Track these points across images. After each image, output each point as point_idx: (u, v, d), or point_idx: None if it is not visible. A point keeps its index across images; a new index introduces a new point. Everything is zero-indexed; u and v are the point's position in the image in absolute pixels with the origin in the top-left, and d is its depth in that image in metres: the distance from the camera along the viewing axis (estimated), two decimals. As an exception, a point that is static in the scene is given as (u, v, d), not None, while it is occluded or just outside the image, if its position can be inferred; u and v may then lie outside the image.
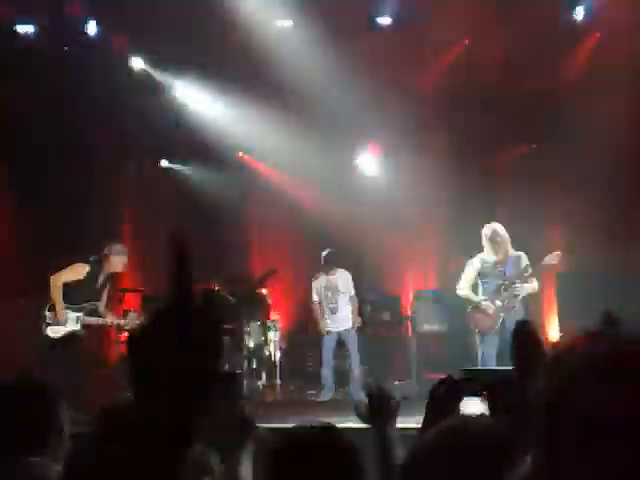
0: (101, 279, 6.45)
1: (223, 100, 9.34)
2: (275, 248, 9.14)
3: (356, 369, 7.71)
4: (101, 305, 6.52)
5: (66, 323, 6.31)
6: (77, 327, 6.35)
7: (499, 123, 8.50)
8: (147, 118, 8.99)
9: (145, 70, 9.24)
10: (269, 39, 8.44)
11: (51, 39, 8.83)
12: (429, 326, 7.97)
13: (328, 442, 1.82)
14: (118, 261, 6.45)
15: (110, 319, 6.60)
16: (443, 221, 8.98)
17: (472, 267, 6.71)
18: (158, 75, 9.32)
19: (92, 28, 8.88)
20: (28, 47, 8.83)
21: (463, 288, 6.77)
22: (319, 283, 7.78)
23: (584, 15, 8.30)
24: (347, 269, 7.86)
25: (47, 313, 6.34)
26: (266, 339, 8.22)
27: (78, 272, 6.34)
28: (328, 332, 7.77)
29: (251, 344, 8.11)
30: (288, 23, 8.56)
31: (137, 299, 8.95)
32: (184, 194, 9.59)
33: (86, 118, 8.81)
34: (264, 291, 8.55)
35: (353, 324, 7.72)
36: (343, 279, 7.83)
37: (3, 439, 1.89)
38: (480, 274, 6.69)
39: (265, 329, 8.28)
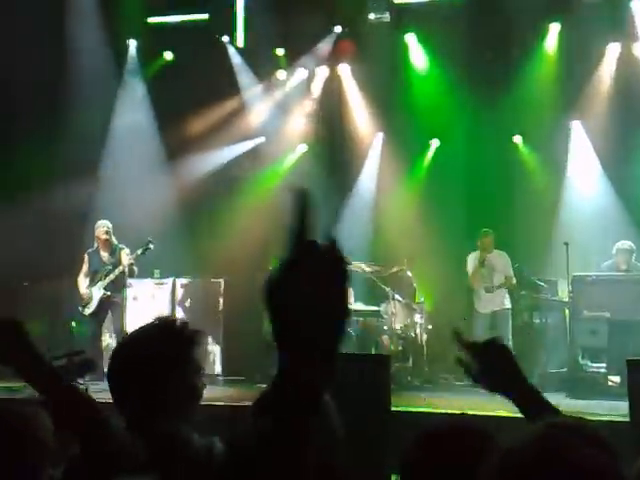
0: (105, 256, 7.80)
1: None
2: (423, 229, 8.95)
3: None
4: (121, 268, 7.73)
5: (93, 299, 7.71)
6: (101, 292, 7.71)
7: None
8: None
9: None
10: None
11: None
12: (589, 312, 7.39)
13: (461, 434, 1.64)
14: (99, 233, 7.80)
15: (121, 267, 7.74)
16: (604, 200, 8.39)
17: None
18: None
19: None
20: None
21: None
22: (474, 259, 7.70)
23: None
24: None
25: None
26: (412, 321, 8.05)
27: (84, 263, 7.89)
28: (479, 312, 7.65)
29: (397, 326, 7.98)
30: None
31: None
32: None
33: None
34: (409, 273, 8.37)
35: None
36: (501, 259, 7.65)
37: (149, 411, 1.94)
38: None
39: (411, 311, 8.12)
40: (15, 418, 1.83)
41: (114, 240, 7.86)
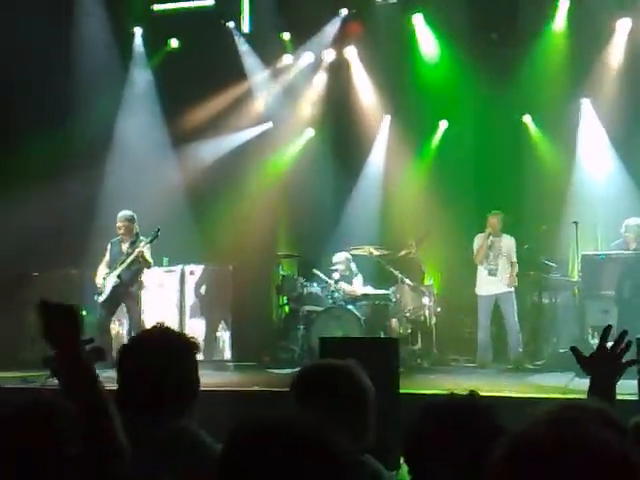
0: (125, 247, 7.69)
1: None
2: (431, 212, 8.91)
3: (512, 335, 7.51)
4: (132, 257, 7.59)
5: (106, 286, 7.62)
6: (114, 280, 7.60)
7: None
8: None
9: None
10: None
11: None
12: (598, 292, 7.34)
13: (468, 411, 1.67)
14: (117, 224, 7.68)
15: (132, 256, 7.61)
16: (614, 178, 8.31)
17: None
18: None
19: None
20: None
21: None
22: (481, 241, 7.72)
23: None
24: (510, 233, 7.80)
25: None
26: (421, 304, 8.05)
27: (106, 251, 7.83)
28: (480, 295, 7.71)
29: (406, 309, 7.98)
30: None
31: (293, 264, 9.13)
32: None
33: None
34: (417, 256, 8.36)
35: (510, 286, 7.61)
36: (507, 243, 7.65)
37: (155, 405, 2.00)
38: None
39: (419, 294, 8.11)
40: (39, 407, 1.84)
41: (136, 231, 7.70)
